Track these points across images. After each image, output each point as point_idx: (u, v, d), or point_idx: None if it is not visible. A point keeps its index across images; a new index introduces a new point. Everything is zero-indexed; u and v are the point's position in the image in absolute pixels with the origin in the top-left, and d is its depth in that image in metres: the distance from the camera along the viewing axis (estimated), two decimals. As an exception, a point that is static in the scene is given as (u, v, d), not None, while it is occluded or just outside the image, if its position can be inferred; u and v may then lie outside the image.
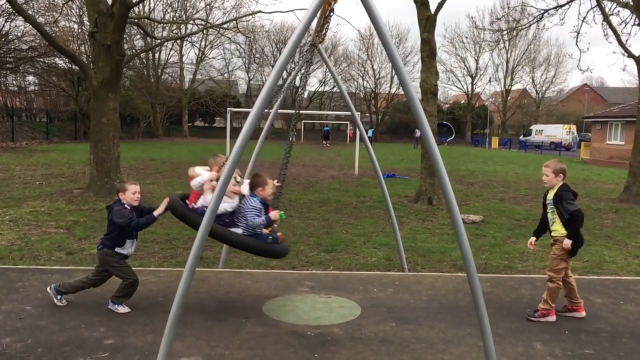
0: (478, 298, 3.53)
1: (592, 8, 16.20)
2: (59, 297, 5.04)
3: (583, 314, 5.18)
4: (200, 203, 4.81)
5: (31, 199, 11.22)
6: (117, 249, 4.93)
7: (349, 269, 6.77)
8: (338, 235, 8.62)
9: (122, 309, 4.91)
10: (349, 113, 6.94)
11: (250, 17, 25.12)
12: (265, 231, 4.84)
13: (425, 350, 4.31)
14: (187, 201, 5.01)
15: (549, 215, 5.16)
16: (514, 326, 4.89)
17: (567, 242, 4.97)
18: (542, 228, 5.34)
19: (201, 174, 4.92)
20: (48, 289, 5.10)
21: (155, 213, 4.94)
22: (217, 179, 4.58)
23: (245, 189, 4.97)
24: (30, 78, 39.46)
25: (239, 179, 4.76)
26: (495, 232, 9.41)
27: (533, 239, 5.32)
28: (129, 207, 4.95)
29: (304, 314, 5.09)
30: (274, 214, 4.81)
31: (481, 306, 3.53)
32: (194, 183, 4.90)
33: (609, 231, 9.79)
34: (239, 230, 4.74)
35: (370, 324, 4.84)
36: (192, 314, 4.90)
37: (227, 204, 4.75)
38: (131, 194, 4.95)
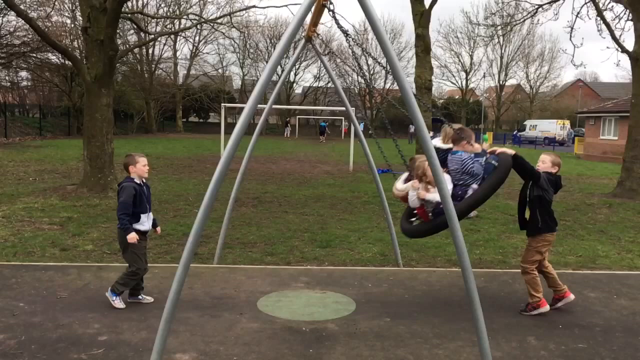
0: (472, 293, 3.54)
1: (586, 3, 16.24)
2: (117, 298, 4.99)
3: (572, 296, 5.21)
4: (430, 208, 4.74)
5: (24, 195, 11.16)
6: (135, 225, 4.94)
7: (343, 264, 6.77)
8: (333, 231, 8.62)
9: (118, 303, 4.91)
10: (343, 108, 6.92)
11: (244, 12, 25.07)
12: (481, 161, 4.77)
13: (419, 345, 4.32)
14: (416, 218, 5.00)
15: (528, 205, 5.18)
16: (508, 321, 4.91)
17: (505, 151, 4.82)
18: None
19: (406, 188, 4.89)
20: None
21: (159, 230, 5.46)
22: (421, 179, 4.62)
23: (436, 141, 4.91)
24: (23, 73, 39.28)
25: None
26: (489, 227, 9.44)
27: None
28: (139, 182, 5.00)
29: (298, 309, 5.09)
30: (477, 146, 4.77)
31: (475, 301, 3.54)
32: (412, 202, 4.85)
33: (603, 226, 9.84)
34: (475, 186, 4.68)
35: (365, 319, 4.85)
36: (187, 310, 4.89)
37: (449, 185, 4.63)
38: (142, 166, 5.03)
